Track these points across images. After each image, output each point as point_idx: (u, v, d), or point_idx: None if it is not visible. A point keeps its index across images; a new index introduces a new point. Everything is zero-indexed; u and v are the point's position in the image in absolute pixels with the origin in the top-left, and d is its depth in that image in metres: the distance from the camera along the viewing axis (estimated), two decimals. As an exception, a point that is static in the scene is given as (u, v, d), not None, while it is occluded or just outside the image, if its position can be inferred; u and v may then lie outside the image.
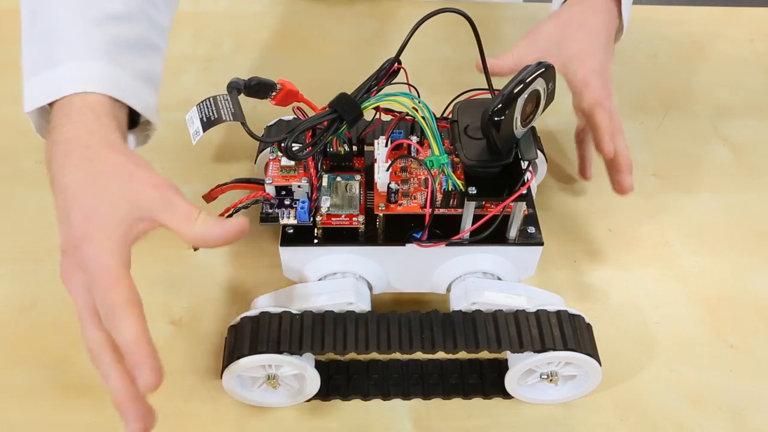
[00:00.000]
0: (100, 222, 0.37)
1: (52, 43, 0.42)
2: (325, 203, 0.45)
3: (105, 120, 0.40)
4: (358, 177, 0.47)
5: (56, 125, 0.40)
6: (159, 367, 0.35)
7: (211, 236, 0.38)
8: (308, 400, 0.46)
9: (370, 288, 0.47)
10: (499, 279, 0.46)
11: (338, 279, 0.45)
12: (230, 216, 0.44)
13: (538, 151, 0.53)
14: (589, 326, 0.44)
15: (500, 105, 0.40)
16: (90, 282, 0.36)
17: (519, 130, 0.42)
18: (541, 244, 0.45)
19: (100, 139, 0.39)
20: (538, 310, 0.43)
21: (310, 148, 0.43)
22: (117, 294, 0.35)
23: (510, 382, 0.45)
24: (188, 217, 0.38)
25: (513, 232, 0.45)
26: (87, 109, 0.40)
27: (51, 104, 0.42)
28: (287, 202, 0.45)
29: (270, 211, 0.45)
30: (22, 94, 0.42)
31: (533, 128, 0.49)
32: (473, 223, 0.44)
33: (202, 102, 0.41)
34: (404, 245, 0.44)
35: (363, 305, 0.44)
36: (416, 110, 0.43)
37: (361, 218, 0.45)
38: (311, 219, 0.44)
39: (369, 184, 0.47)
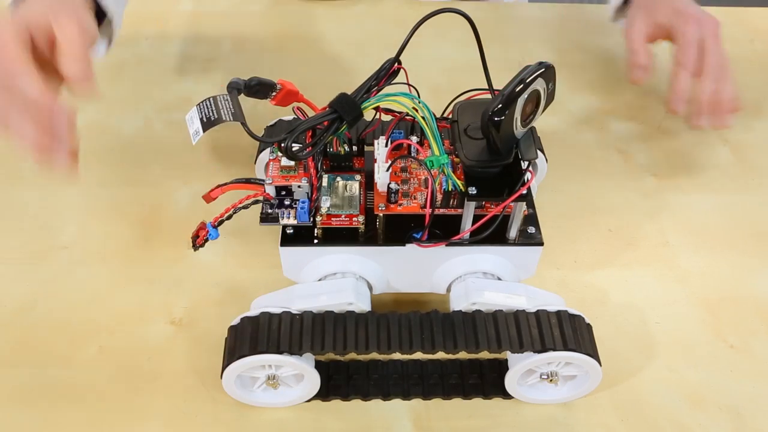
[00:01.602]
0: None
1: None
2: (325, 203, 0.45)
3: None
4: (358, 177, 0.47)
5: None
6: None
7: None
8: (308, 400, 0.46)
9: (370, 288, 0.47)
10: (499, 279, 0.46)
11: (338, 279, 0.45)
12: (230, 217, 0.44)
13: (538, 151, 0.53)
14: (589, 326, 0.44)
15: (500, 105, 0.40)
16: None
17: (519, 130, 0.42)
18: (541, 244, 0.45)
19: None
20: (538, 311, 0.43)
21: (310, 148, 0.43)
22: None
23: (510, 382, 0.45)
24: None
25: (513, 232, 0.45)
26: None
27: None
28: (287, 203, 0.45)
29: (270, 211, 0.45)
30: None
31: (533, 128, 0.49)
32: (473, 223, 0.44)
33: (202, 102, 0.41)
34: (404, 245, 0.44)
35: (363, 305, 0.44)
36: (416, 110, 0.43)
37: (361, 218, 0.45)
38: (311, 219, 0.44)
39: (369, 184, 0.47)
